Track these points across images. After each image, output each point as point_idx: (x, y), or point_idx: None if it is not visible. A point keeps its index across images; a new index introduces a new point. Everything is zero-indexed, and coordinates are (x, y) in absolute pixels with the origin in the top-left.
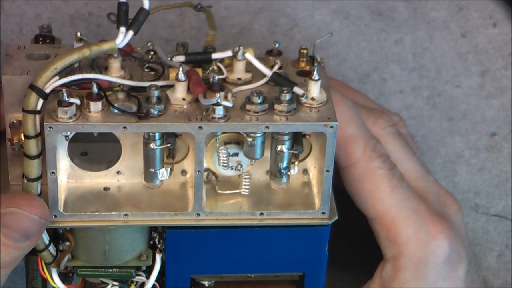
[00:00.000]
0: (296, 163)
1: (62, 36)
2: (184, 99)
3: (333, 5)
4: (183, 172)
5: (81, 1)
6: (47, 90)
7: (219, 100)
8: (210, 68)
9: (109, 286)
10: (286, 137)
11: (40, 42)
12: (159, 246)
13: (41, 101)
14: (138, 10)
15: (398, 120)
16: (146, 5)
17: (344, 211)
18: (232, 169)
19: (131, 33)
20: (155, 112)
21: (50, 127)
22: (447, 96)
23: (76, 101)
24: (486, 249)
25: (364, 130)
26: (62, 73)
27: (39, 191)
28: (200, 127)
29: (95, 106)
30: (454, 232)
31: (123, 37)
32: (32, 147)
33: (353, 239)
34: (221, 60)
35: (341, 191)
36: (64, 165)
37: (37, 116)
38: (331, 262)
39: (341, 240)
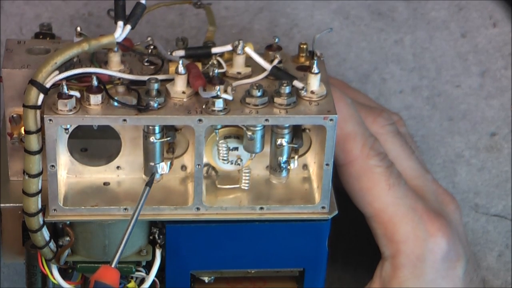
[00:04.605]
0: (296, 157)
1: (62, 36)
2: (183, 92)
3: (333, 5)
4: (183, 167)
5: (81, 1)
6: (47, 85)
7: (218, 93)
8: (210, 63)
9: None
10: (285, 131)
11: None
12: (159, 241)
13: (41, 96)
14: (135, 4)
15: (397, 119)
16: None
17: (344, 210)
18: (232, 163)
19: (128, 27)
20: (155, 105)
21: (50, 120)
22: (447, 96)
23: (76, 93)
24: (486, 249)
25: (363, 128)
26: (62, 67)
27: (39, 187)
28: (199, 120)
29: (95, 99)
30: (452, 230)
31: (121, 31)
32: (33, 142)
33: (353, 238)
34: (221, 55)
35: (340, 190)
36: (64, 160)
37: (38, 111)
38: (331, 262)
39: (341, 239)
